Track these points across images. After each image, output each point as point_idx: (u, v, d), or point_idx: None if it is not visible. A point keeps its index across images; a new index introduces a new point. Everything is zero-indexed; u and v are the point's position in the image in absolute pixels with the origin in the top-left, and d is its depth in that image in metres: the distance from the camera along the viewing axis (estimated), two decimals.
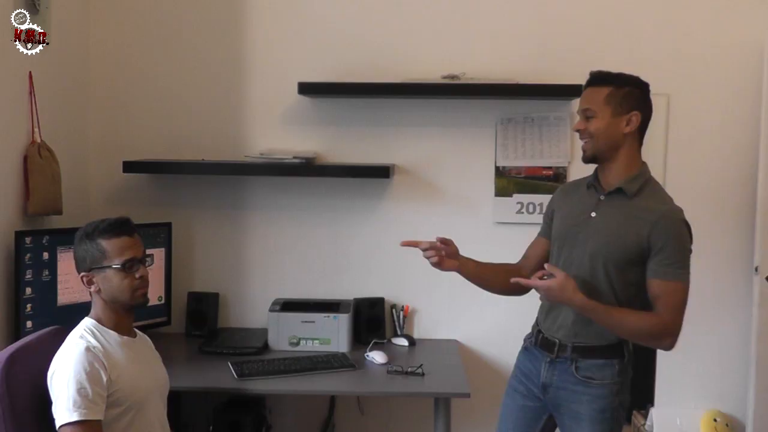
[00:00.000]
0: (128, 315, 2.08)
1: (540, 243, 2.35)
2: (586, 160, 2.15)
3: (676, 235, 2.02)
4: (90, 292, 2.04)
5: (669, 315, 2.00)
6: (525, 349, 2.30)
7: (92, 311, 2.04)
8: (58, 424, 1.85)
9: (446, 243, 2.26)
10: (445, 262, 2.25)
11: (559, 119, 3.04)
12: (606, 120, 2.06)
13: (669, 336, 2.02)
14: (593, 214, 2.13)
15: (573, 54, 3.00)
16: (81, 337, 1.96)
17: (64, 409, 1.84)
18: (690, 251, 2.05)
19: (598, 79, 2.11)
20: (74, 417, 1.83)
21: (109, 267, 1.99)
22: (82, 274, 2.02)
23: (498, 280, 2.33)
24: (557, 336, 2.16)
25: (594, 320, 2.06)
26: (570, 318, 2.13)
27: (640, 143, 2.14)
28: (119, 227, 2.04)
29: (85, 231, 2.04)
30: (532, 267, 2.29)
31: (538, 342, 2.22)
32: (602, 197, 2.13)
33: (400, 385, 2.60)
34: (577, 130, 2.14)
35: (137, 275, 2.02)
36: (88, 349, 1.92)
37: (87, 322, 2.02)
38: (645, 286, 2.05)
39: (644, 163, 2.14)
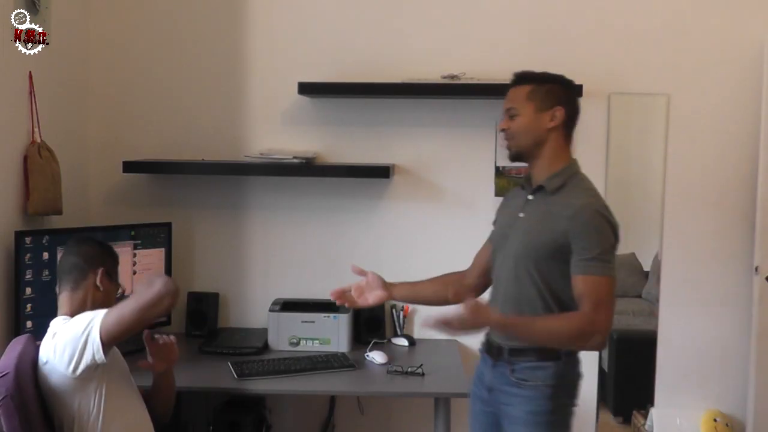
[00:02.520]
0: None
1: (485, 249, 2.30)
2: (511, 158, 2.13)
3: (595, 229, 1.95)
4: (78, 287, 2.09)
5: (593, 311, 1.90)
6: (480, 353, 2.26)
7: (63, 309, 2.09)
8: (96, 332, 1.89)
9: (362, 273, 2.30)
10: (367, 298, 2.30)
11: None
12: (529, 116, 2.04)
13: (596, 333, 1.92)
14: (521, 215, 2.10)
15: (573, 54, 3.00)
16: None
17: (96, 319, 1.91)
18: (613, 246, 1.97)
19: (520, 78, 2.10)
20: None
21: (117, 284, 2.19)
22: (104, 269, 2.12)
23: (438, 294, 2.30)
24: (497, 339, 2.12)
25: (520, 337, 2.00)
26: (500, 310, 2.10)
27: (568, 139, 2.09)
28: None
29: (107, 244, 2.26)
30: (476, 274, 2.29)
31: (485, 346, 2.20)
32: (529, 197, 2.10)
33: (400, 385, 2.60)
34: (502, 130, 2.11)
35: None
36: None
37: (60, 318, 2.06)
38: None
39: (573, 160, 2.10)
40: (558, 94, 2.06)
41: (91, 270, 2.11)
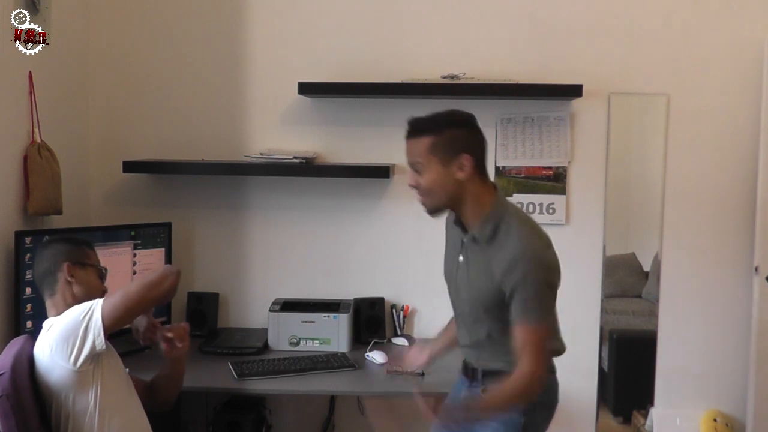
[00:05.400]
0: None
1: None
2: (430, 214, 2.04)
3: (527, 277, 1.87)
4: (54, 291, 2.08)
5: (529, 363, 1.86)
6: (459, 373, 2.22)
7: (51, 313, 2.08)
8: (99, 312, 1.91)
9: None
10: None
11: (559, 119, 3.04)
12: (436, 171, 1.95)
13: (535, 384, 1.89)
14: (461, 258, 2.05)
15: (573, 54, 3.01)
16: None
17: (96, 305, 1.93)
18: (548, 290, 1.90)
19: (416, 129, 1.99)
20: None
21: (93, 266, 2.15)
22: (67, 263, 2.08)
23: None
24: (470, 360, 2.12)
25: (484, 415, 1.99)
26: (467, 340, 2.09)
27: (484, 177, 2.00)
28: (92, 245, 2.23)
29: (65, 237, 2.24)
30: None
31: (462, 368, 2.17)
32: (465, 239, 2.03)
33: (400, 385, 2.60)
34: (412, 186, 2.02)
35: (105, 285, 2.18)
36: None
37: (51, 318, 2.05)
38: None
39: (495, 199, 2.00)
40: (460, 140, 1.96)
41: (58, 270, 2.08)
